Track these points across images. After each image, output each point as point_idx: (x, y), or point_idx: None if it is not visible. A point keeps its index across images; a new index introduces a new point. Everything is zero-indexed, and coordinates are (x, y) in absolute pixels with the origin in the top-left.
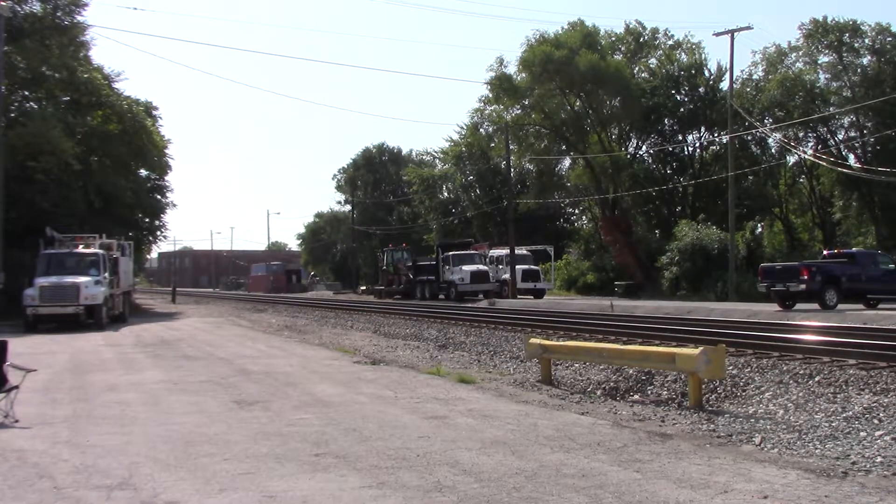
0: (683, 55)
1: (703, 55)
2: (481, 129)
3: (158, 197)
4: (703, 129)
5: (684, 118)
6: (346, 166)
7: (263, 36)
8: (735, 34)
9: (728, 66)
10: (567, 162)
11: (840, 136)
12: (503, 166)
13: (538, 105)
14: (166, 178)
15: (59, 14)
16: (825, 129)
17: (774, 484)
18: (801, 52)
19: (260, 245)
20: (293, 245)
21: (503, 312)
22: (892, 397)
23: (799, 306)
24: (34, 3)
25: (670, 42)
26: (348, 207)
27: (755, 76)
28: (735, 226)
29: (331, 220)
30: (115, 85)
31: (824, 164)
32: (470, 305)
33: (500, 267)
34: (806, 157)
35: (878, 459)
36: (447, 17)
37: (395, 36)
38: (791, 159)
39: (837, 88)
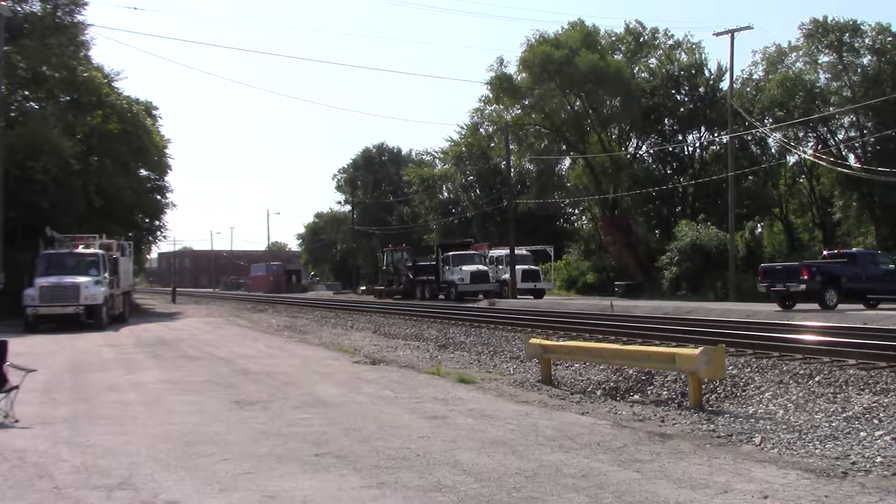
0: (683, 55)
1: (703, 55)
2: (481, 129)
3: (158, 197)
4: (703, 129)
5: (684, 118)
6: (346, 166)
7: (263, 36)
8: (735, 34)
9: (728, 66)
10: (567, 162)
11: (840, 136)
12: (503, 166)
13: (538, 105)
14: (166, 178)
15: (59, 14)
16: (825, 129)
17: (774, 484)
18: (801, 52)
19: (260, 245)
20: (293, 245)
21: (503, 312)
22: (892, 397)
23: (799, 306)
24: (34, 2)
25: (670, 42)
26: (348, 207)
27: (755, 76)
28: (735, 226)
29: (331, 220)
30: (115, 84)
31: (824, 164)
32: (470, 305)
33: (500, 267)
34: (806, 157)
35: (878, 459)
36: (447, 17)
37: (395, 36)
38: (791, 159)
39: (837, 88)
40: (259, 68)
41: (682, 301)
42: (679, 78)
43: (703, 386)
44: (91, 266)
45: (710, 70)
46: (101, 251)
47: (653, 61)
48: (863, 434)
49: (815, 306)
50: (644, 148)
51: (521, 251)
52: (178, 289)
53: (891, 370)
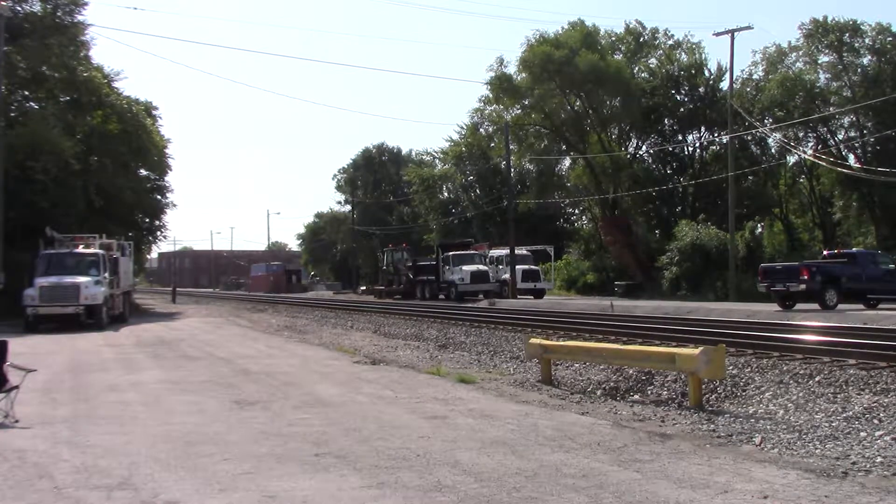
0: (683, 55)
1: (703, 55)
2: (481, 129)
3: (158, 197)
4: (703, 129)
5: (684, 118)
6: (346, 166)
7: (263, 36)
8: (735, 34)
9: (728, 66)
10: (567, 162)
11: (840, 136)
12: (503, 166)
13: (538, 105)
14: (166, 178)
15: (59, 14)
16: (825, 129)
17: (774, 484)
18: (801, 52)
19: (260, 245)
20: (293, 245)
21: (503, 312)
22: (892, 397)
23: (799, 306)
24: (34, 2)
25: (670, 42)
26: (348, 207)
27: (755, 76)
28: (735, 226)
29: (331, 220)
30: (115, 84)
31: (824, 164)
32: (470, 305)
33: (500, 267)
34: (806, 157)
35: (878, 459)
36: (447, 17)
37: (395, 36)
38: (791, 159)
39: (837, 88)
40: (259, 68)
41: (683, 301)
42: (679, 78)
43: (703, 386)
44: (91, 266)
45: (710, 70)
46: (101, 251)
47: (653, 61)
48: (863, 434)
49: (815, 306)
50: (644, 148)
51: (521, 251)
52: (178, 289)
53: (891, 370)
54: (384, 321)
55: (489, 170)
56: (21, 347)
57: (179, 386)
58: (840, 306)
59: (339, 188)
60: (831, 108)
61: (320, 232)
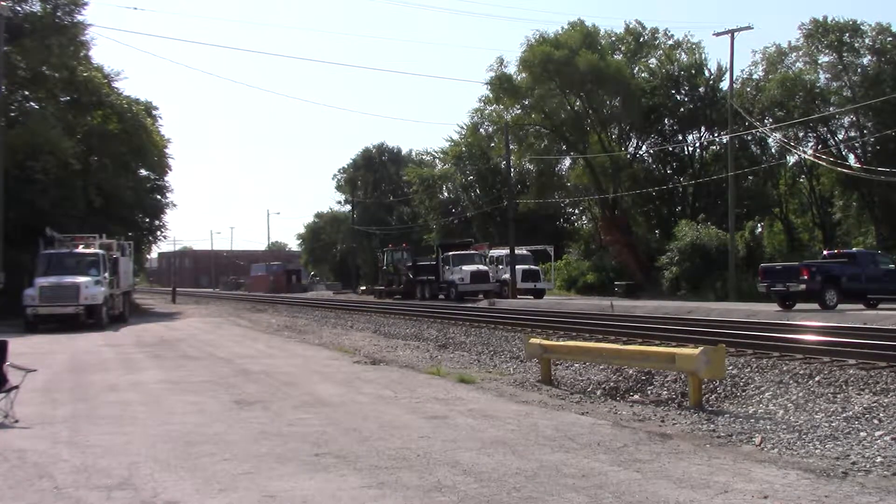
0: (683, 55)
1: (703, 55)
2: (481, 129)
3: (158, 197)
4: (703, 129)
5: (684, 118)
6: (346, 166)
7: (263, 36)
8: (735, 34)
9: (728, 66)
10: (567, 162)
11: (840, 136)
12: (503, 166)
13: (538, 105)
14: (166, 178)
15: (59, 14)
16: (825, 129)
17: (774, 484)
18: (801, 52)
19: (260, 245)
20: (293, 245)
21: (503, 312)
22: (892, 397)
23: (799, 306)
24: (34, 2)
25: (670, 42)
26: (348, 207)
27: (755, 76)
28: (735, 226)
29: (331, 220)
30: (115, 84)
31: (824, 164)
32: (470, 305)
33: (500, 267)
34: (806, 157)
35: (878, 459)
36: (447, 17)
37: (395, 36)
38: (791, 159)
39: (837, 88)
40: (259, 68)
41: (682, 301)
42: (679, 78)
43: (703, 386)
44: (91, 266)
45: (710, 70)
46: (101, 251)
47: (653, 61)
48: (863, 434)
49: (815, 306)
50: (644, 148)
51: (521, 251)
52: (178, 289)
53: (891, 370)
54: (384, 321)
55: (489, 170)
56: (21, 347)
57: (179, 386)
58: (840, 306)
59: (339, 188)
60: (831, 108)
61: (320, 232)
